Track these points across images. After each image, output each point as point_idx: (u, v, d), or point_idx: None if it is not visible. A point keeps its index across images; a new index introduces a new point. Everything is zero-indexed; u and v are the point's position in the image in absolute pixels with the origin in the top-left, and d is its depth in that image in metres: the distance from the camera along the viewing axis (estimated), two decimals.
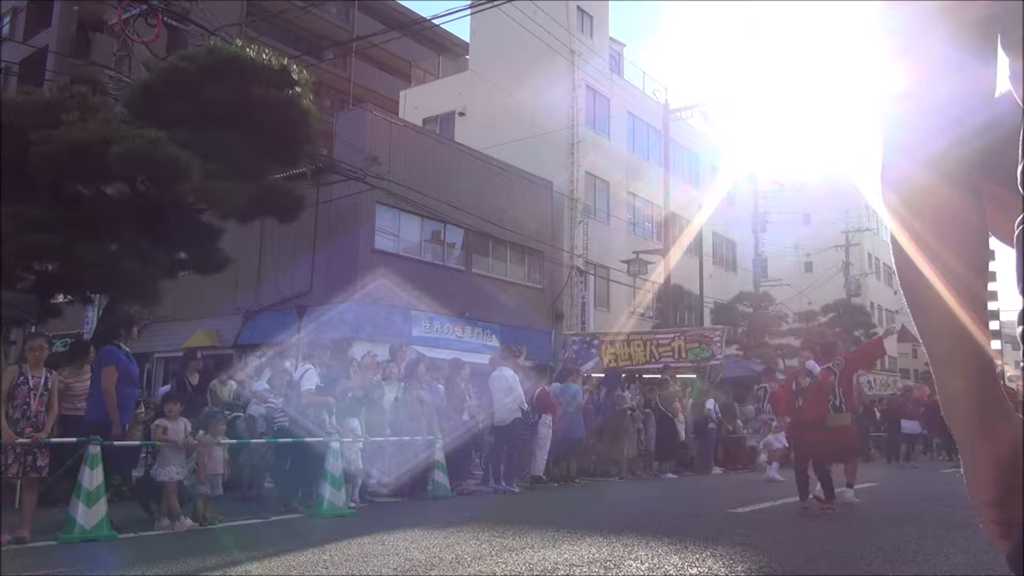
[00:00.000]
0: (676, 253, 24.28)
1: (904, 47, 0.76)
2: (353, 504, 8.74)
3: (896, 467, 17.63)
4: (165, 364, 19.89)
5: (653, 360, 17.63)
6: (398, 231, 19.84)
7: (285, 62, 11.87)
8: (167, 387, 10.98)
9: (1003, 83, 0.74)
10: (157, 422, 7.59)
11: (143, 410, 10.33)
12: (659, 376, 15.93)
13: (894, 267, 0.79)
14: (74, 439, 7.42)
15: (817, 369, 8.73)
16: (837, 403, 8.54)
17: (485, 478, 11.43)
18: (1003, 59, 0.73)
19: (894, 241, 0.77)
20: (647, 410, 14.46)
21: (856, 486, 8.90)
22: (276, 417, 9.04)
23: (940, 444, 19.94)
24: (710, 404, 15.92)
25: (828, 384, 8.58)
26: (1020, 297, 0.69)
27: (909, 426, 18.73)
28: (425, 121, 26.92)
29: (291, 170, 14.80)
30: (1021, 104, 0.70)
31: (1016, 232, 0.70)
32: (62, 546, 6.29)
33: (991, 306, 76.10)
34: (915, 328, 0.77)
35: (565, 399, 12.69)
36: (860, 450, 9.75)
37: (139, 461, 9.19)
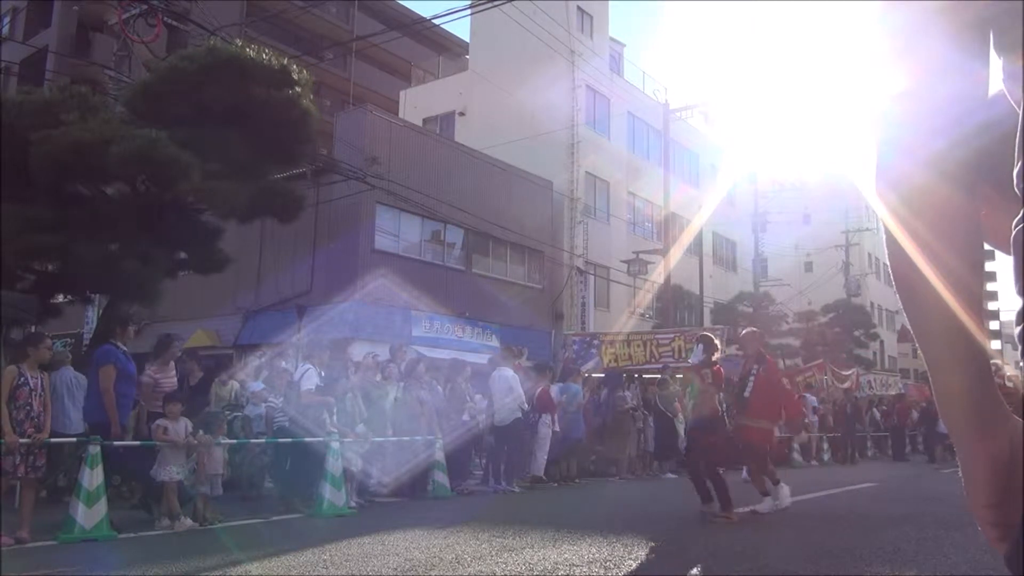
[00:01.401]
0: (676, 253, 24.27)
1: (904, 47, 0.76)
2: (353, 505, 8.74)
3: (929, 466, 17.97)
4: None
5: (653, 360, 17.59)
6: (398, 231, 19.83)
7: (285, 62, 11.85)
8: None
9: (994, 84, 0.74)
10: (157, 422, 7.59)
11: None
12: (659, 376, 15.92)
13: (888, 266, 0.79)
14: (74, 439, 7.43)
15: (697, 359, 8.49)
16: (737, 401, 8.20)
17: (485, 478, 11.43)
18: (995, 60, 0.73)
19: (890, 240, 0.77)
20: (644, 411, 14.45)
21: (856, 486, 8.83)
22: (276, 417, 9.04)
23: None
24: None
25: (699, 379, 8.18)
26: (1019, 297, 0.69)
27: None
28: (425, 121, 26.91)
29: (291, 170, 14.80)
30: (1016, 105, 0.70)
31: (1013, 233, 0.70)
32: (62, 546, 6.29)
33: (991, 306, 76.26)
34: (911, 328, 0.77)
35: (565, 399, 12.69)
36: (760, 456, 8.51)
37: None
